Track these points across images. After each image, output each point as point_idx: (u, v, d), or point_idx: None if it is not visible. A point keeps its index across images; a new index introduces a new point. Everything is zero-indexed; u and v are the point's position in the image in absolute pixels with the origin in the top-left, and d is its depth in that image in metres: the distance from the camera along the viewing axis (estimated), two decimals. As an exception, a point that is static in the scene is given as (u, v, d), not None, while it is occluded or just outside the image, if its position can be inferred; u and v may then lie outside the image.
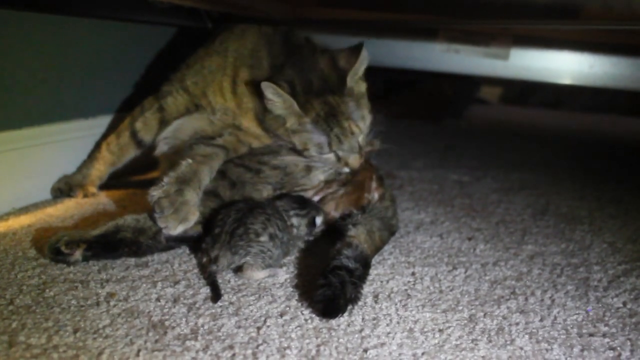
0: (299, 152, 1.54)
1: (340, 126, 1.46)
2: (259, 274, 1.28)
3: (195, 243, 1.41)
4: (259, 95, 1.50)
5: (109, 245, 1.32)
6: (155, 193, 1.36)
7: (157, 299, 1.17)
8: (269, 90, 1.43)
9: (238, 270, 1.30)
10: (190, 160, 1.45)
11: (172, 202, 1.35)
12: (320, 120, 1.45)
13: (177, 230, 1.35)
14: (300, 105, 1.45)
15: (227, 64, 1.62)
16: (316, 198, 1.57)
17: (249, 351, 1.01)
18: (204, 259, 1.28)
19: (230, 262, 1.28)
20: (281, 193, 1.52)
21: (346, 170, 1.54)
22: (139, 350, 0.99)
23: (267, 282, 1.29)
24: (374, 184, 1.59)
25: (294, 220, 1.42)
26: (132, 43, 2.05)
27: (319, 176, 1.56)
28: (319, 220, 1.47)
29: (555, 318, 1.22)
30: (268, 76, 1.51)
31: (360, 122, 1.49)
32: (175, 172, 1.41)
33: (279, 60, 1.54)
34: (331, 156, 1.51)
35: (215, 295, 1.19)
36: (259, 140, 1.62)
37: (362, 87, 1.56)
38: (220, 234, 1.30)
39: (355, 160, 1.50)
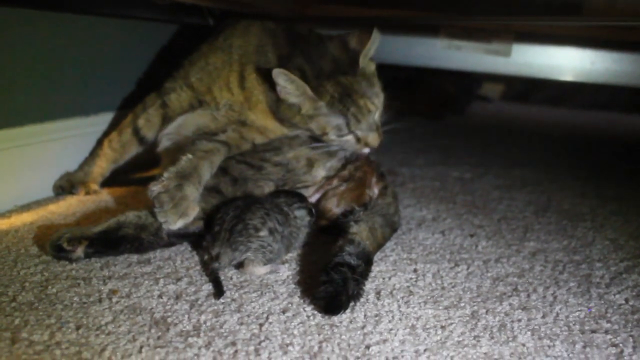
0: (318, 139, 1.55)
1: (357, 105, 1.47)
2: (260, 270, 1.29)
3: (197, 239, 1.41)
4: (270, 86, 1.51)
5: (110, 241, 1.32)
6: (155, 188, 1.36)
7: (160, 296, 1.17)
8: (281, 78, 1.44)
9: (239, 266, 1.30)
10: (190, 156, 1.45)
11: (172, 197, 1.35)
12: (335, 102, 1.47)
13: (176, 225, 1.35)
14: (313, 89, 1.45)
15: (232, 60, 1.62)
16: (317, 195, 1.57)
17: (252, 348, 1.01)
18: (206, 257, 1.29)
19: (232, 259, 1.28)
20: (277, 190, 1.52)
21: (366, 150, 1.56)
22: (141, 347, 0.99)
23: (269, 278, 1.29)
24: (374, 179, 1.59)
25: (297, 213, 1.42)
26: (133, 40, 2.05)
27: (320, 172, 1.57)
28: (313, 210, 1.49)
29: (558, 315, 1.22)
30: (276, 67, 1.51)
31: (375, 100, 1.51)
32: (175, 168, 1.41)
33: (285, 51, 1.55)
34: (351, 137, 1.53)
35: (218, 292, 1.19)
36: (263, 135, 1.62)
37: (372, 66, 1.58)
38: (219, 231, 1.30)
39: (374, 139, 1.53)
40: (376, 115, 1.53)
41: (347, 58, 1.52)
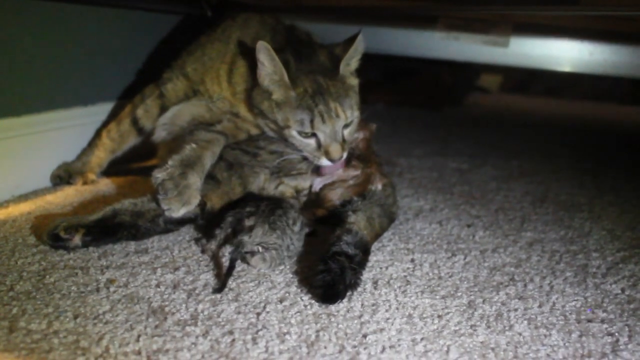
0: (279, 133, 1.53)
1: (326, 105, 1.45)
2: (264, 269, 1.28)
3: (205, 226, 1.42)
4: (254, 70, 1.49)
5: (107, 229, 1.32)
6: (159, 175, 1.36)
7: (157, 285, 1.18)
8: (263, 51, 1.42)
9: (244, 256, 1.29)
10: (194, 145, 1.46)
11: (176, 185, 1.35)
12: (306, 96, 1.45)
13: (179, 212, 1.35)
14: (290, 79, 1.45)
15: (227, 51, 1.62)
16: (322, 182, 1.55)
17: (249, 336, 1.02)
18: (220, 238, 1.30)
19: (264, 234, 1.28)
20: (276, 199, 1.51)
21: (324, 162, 1.49)
22: (139, 336, 0.99)
23: (267, 268, 1.30)
24: (378, 176, 1.58)
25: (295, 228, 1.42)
26: (132, 30, 2.05)
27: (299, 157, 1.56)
28: None
29: (554, 304, 1.23)
30: None
31: (347, 110, 1.48)
32: (179, 156, 1.41)
33: (279, 46, 1.55)
34: (312, 141, 1.48)
35: (231, 267, 1.20)
36: (258, 128, 1.62)
37: (354, 81, 1.56)
38: (254, 211, 1.31)
39: (336, 151, 1.46)
40: (346, 131, 1.50)
41: (331, 64, 1.51)
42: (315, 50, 1.55)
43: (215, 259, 1.31)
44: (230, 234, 1.30)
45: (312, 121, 1.45)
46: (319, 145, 1.48)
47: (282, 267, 1.31)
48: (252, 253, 1.27)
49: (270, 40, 1.58)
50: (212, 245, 1.30)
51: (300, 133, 1.47)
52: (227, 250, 1.33)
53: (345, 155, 1.50)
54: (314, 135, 1.47)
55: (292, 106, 1.46)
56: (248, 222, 1.29)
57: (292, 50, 1.53)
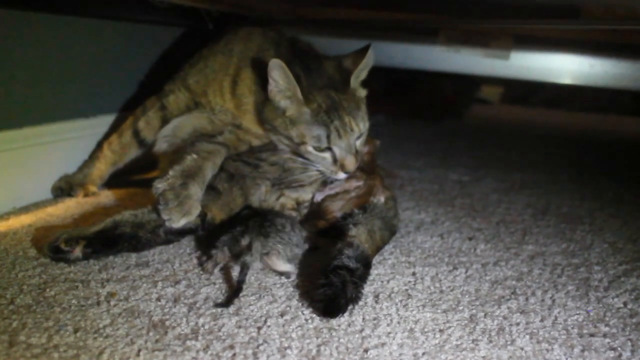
0: (294, 149, 1.53)
1: (341, 120, 1.46)
2: (282, 266, 1.29)
3: (207, 240, 1.41)
4: (262, 84, 1.50)
5: (108, 241, 1.32)
6: (160, 185, 1.36)
7: (158, 299, 1.17)
8: (277, 69, 1.42)
9: (265, 256, 1.30)
10: (195, 156, 1.45)
11: (177, 195, 1.35)
12: (321, 111, 1.45)
13: (179, 223, 1.35)
14: (303, 95, 1.45)
15: (230, 63, 1.63)
16: (323, 193, 1.55)
17: (250, 351, 1.01)
18: (227, 256, 1.29)
19: (264, 246, 1.28)
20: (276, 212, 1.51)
21: (341, 176, 1.51)
22: (139, 350, 0.99)
23: (268, 281, 1.29)
24: (381, 189, 1.58)
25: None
26: (133, 43, 2.05)
27: (316, 172, 1.56)
28: None
29: (556, 318, 1.22)
30: None
31: (360, 122, 1.50)
32: (180, 166, 1.41)
33: (285, 59, 1.55)
34: (328, 155, 1.49)
35: (236, 293, 1.19)
36: (260, 139, 1.62)
37: (362, 93, 1.58)
38: (245, 229, 1.31)
39: (351, 162, 1.48)
40: (358, 142, 1.51)
41: (340, 77, 1.52)
42: (322, 63, 1.55)
43: (226, 274, 1.31)
44: (229, 255, 1.29)
45: (328, 136, 1.46)
46: (335, 159, 1.49)
47: (283, 278, 1.31)
48: (266, 254, 1.28)
49: (275, 53, 1.58)
50: (209, 265, 1.30)
51: (316, 148, 1.48)
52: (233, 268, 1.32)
53: (356, 166, 1.52)
54: (329, 149, 1.48)
55: (308, 122, 1.47)
56: (244, 242, 1.29)
57: (301, 63, 1.52)
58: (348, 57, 1.56)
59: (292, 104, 1.47)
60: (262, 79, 1.50)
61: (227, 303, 1.17)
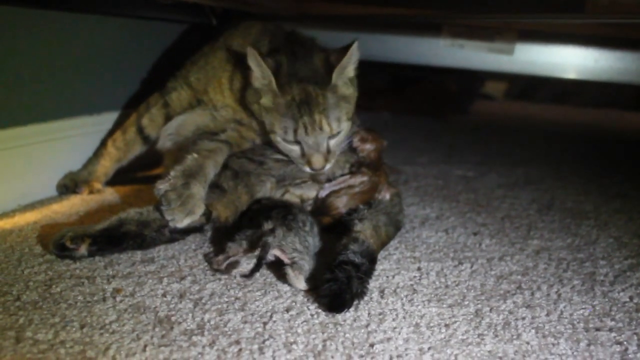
0: (266, 135, 1.54)
1: (311, 116, 1.45)
2: (301, 283, 1.24)
3: (221, 234, 1.43)
4: (247, 67, 1.50)
5: (113, 238, 1.32)
6: (162, 186, 1.36)
7: (164, 295, 1.17)
8: (251, 58, 1.44)
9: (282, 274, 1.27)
10: (195, 155, 1.45)
11: (179, 195, 1.35)
12: (293, 104, 1.45)
13: (183, 223, 1.35)
14: (279, 85, 1.45)
15: (229, 59, 1.63)
16: (328, 189, 1.55)
17: (255, 346, 1.01)
18: (241, 249, 1.29)
19: (284, 235, 1.29)
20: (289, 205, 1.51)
21: (307, 169, 1.51)
22: (145, 346, 0.99)
23: (273, 277, 1.29)
24: (386, 185, 1.58)
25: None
26: (137, 40, 2.05)
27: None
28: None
29: (562, 312, 1.22)
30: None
31: (334, 123, 1.48)
32: (181, 166, 1.41)
33: (276, 47, 1.56)
34: (296, 148, 1.50)
35: (256, 268, 1.23)
36: (262, 136, 1.62)
37: (348, 90, 1.54)
38: (269, 216, 1.34)
39: (317, 161, 1.48)
40: (332, 141, 1.50)
41: (324, 72, 1.50)
42: (312, 54, 1.54)
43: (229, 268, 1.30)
44: (244, 248, 1.29)
45: (295, 130, 1.46)
46: (303, 153, 1.49)
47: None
48: (290, 266, 1.25)
49: (269, 43, 1.60)
50: (221, 258, 1.28)
51: (284, 140, 1.49)
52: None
53: (328, 165, 1.51)
54: (298, 142, 1.48)
55: (279, 112, 1.47)
56: (267, 226, 1.30)
57: (289, 51, 1.53)
58: (334, 53, 1.53)
59: (267, 93, 1.48)
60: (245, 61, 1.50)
61: (250, 275, 1.22)
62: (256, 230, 1.31)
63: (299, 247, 1.28)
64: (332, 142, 1.51)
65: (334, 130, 1.48)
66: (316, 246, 1.37)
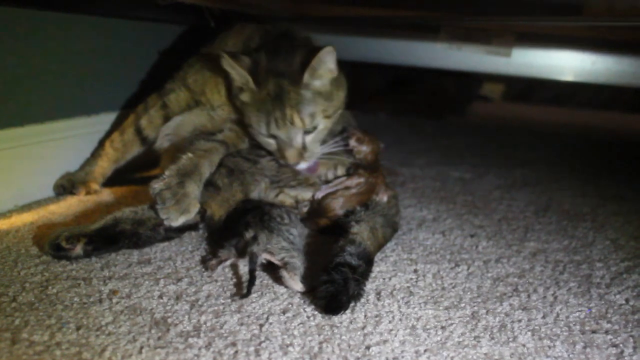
0: (248, 130, 1.58)
1: (282, 111, 1.47)
2: (297, 285, 1.23)
3: (217, 238, 1.42)
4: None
5: (109, 238, 1.33)
6: (157, 185, 1.37)
7: (160, 296, 1.17)
8: (224, 61, 1.49)
9: (278, 277, 1.27)
10: (190, 154, 1.46)
11: (174, 194, 1.36)
12: (267, 99, 1.48)
13: (178, 221, 1.36)
14: (256, 81, 1.48)
15: None
16: (325, 191, 1.55)
17: (252, 348, 1.01)
18: (232, 254, 1.29)
19: (268, 238, 1.29)
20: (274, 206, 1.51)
21: (282, 162, 1.55)
22: (141, 347, 0.99)
23: (270, 279, 1.29)
24: (383, 187, 1.58)
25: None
26: (135, 41, 2.05)
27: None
28: None
29: (558, 315, 1.22)
30: (245, 54, 1.55)
31: (307, 118, 1.49)
32: (176, 165, 1.42)
33: (258, 45, 1.57)
34: (272, 142, 1.54)
35: (251, 282, 1.20)
36: None
37: (324, 88, 1.53)
38: (247, 224, 1.33)
39: (290, 156, 1.52)
40: (308, 137, 1.52)
41: (301, 69, 1.50)
42: (295, 51, 1.54)
43: (234, 272, 1.31)
44: (235, 253, 1.29)
45: (268, 124, 1.50)
46: (279, 147, 1.53)
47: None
48: (284, 268, 1.25)
49: (259, 40, 1.63)
50: (214, 262, 1.29)
51: (260, 133, 1.53)
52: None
53: (304, 162, 1.54)
54: (273, 136, 1.52)
55: (255, 107, 1.51)
56: (248, 235, 1.30)
57: (272, 48, 1.55)
58: (313, 52, 1.50)
59: (246, 90, 1.52)
60: None
61: (247, 293, 1.19)
62: (239, 238, 1.31)
63: (285, 245, 1.29)
64: (309, 138, 1.53)
65: (307, 125, 1.51)
66: (302, 233, 1.39)
